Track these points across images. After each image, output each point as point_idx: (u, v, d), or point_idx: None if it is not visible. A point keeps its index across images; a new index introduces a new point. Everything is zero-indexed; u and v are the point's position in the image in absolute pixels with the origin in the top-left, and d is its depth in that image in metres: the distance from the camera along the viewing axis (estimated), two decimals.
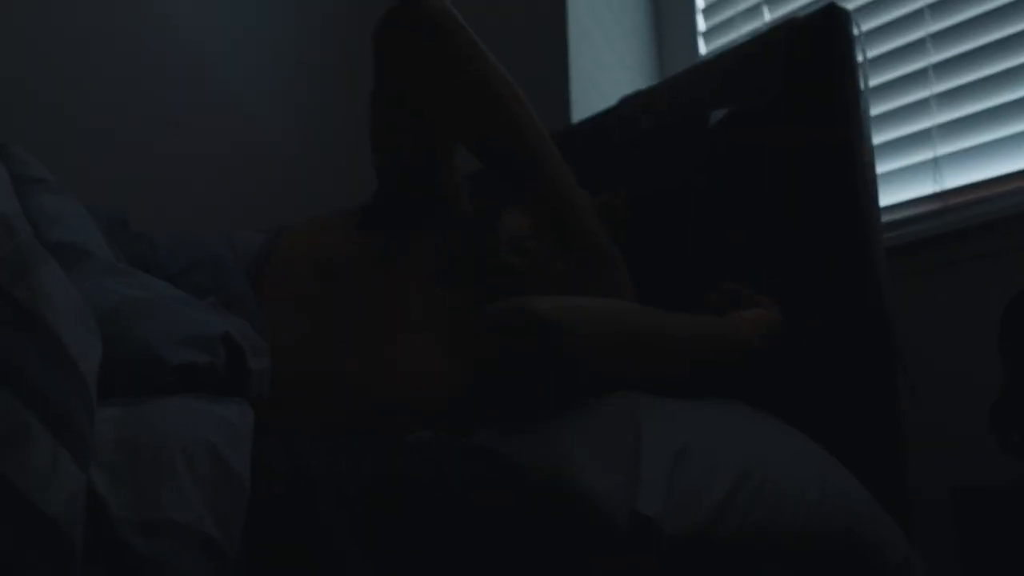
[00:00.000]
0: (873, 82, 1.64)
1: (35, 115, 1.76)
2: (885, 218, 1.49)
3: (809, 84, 1.23)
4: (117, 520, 0.56)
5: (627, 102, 1.52)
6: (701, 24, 2.08)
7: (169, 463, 0.62)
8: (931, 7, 1.62)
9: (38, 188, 0.97)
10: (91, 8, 1.91)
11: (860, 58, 1.25)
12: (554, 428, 0.89)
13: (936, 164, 1.58)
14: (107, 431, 0.61)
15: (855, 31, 1.25)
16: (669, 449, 0.84)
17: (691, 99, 1.38)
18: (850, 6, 1.37)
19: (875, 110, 1.63)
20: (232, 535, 0.62)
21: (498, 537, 0.76)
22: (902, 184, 1.62)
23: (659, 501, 0.79)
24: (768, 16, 1.92)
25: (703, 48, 2.06)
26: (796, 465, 0.91)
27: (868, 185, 1.19)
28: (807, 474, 0.90)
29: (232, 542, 0.62)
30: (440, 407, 1.01)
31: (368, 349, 1.07)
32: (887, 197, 1.58)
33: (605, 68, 2.00)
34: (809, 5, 1.81)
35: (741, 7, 1.97)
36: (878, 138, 1.60)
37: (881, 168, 1.56)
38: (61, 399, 0.55)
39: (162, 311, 0.81)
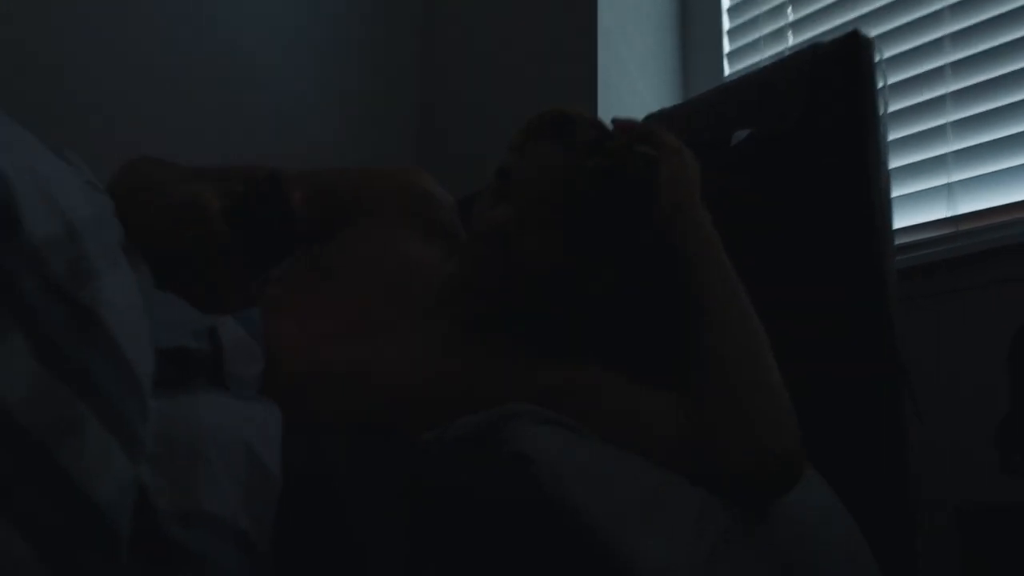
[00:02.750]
0: (892, 107, 1.64)
1: (84, 122, 1.79)
2: (898, 240, 1.48)
3: (831, 108, 1.22)
4: (160, 511, 0.57)
5: (652, 120, 1.52)
6: (726, 46, 2.06)
7: (207, 459, 0.63)
8: (952, 36, 1.61)
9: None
10: (141, 24, 1.94)
11: (881, 84, 1.24)
12: (600, 456, 0.88)
13: (950, 189, 1.57)
14: (152, 422, 0.62)
15: (877, 57, 1.24)
16: (716, 528, 0.83)
17: (715, 119, 1.38)
18: (873, 33, 1.37)
19: (893, 135, 1.62)
20: (263, 530, 0.64)
21: (511, 565, 0.75)
22: (916, 208, 1.60)
23: None
24: (792, 40, 1.90)
25: (727, 69, 2.05)
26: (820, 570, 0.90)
27: (883, 208, 1.18)
28: None
29: (263, 536, 0.63)
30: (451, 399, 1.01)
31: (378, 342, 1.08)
32: (901, 220, 1.57)
33: (633, 87, 2.00)
34: (833, 30, 1.80)
35: (766, 30, 1.95)
36: (895, 162, 1.59)
37: (896, 191, 1.55)
38: (117, 398, 0.56)
39: (157, 305, 0.82)
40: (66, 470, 0.53)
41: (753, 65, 1.96)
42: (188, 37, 2.02)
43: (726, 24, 2.08)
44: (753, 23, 2.00)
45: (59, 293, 0.56)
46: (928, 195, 1.60)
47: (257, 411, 0.72)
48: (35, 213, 0.56)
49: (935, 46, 1.64)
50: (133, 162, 1.23)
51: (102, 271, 0.59)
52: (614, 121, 1.17)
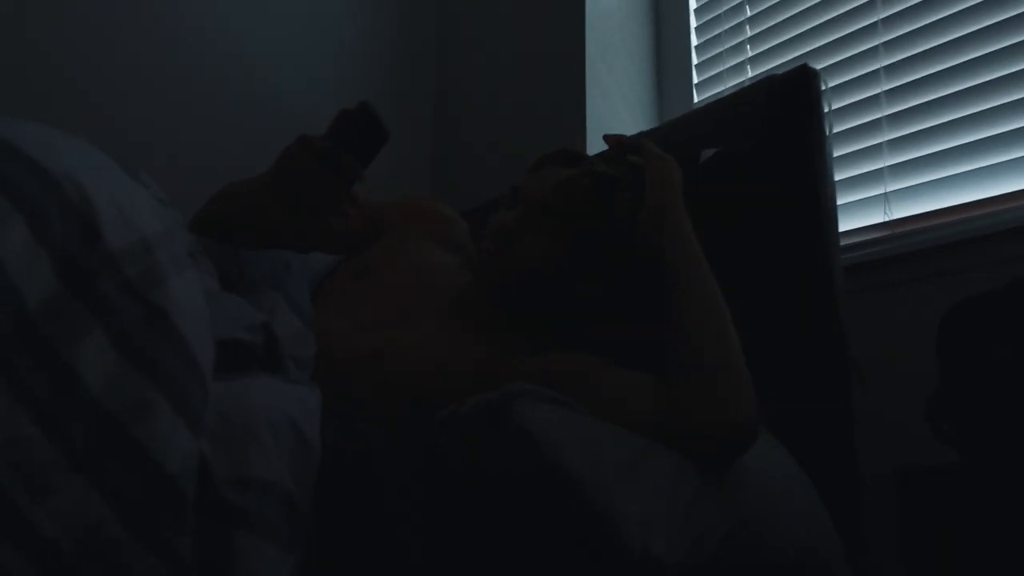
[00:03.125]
0: (836, 129, 1.64)
1: (117, 136, 1.69)
2: (843, 242, 1.49)
3: (784, 130, 1.23)
4: (218, 478, 0.58)
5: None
6: (695, 77, 2.07)
7: (256, 431, 0.63)
8: (886, 68, 1.62)
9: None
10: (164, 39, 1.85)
11: (826, 108, 1.25)
12: (592, 429, 0.87)
13: (886, 198, 1.57)
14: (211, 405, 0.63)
15: (823, 86, 1.25)
16: (690, 488, 0.83)
17: (687, 139, 1.38)
18: (819, 66, 1.37)
19: (837, 152, 1.62)
20: (305, 493, 0.64)
21: (518, 527, 0.75)
22: (858, 214, 1.61)
23: (669, 543, 0.78)
24: (751, 72, 1.91)
25: (696, 97, 2.05)
26: (782, 518, 0.90)
27: (830, 214, 1.19)
28: (790, 527, 0.90)
29: (305, 499, 0.64)
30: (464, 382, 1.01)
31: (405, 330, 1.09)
32: (845, 224, 1.58)
33: (615, 112, 2.01)
34: (785, 64, 1.80)
35: (728, 64, 1.96)
36: (839, 175, 1.60)
37: (841, 200, 1.55)
38: (183, 384, 0.57)
39: (216, 302, 0.82)
40: (142, 445, 0.53)
41: (718, 94, 1.96)
42: (200, 42, 1.91)
43: (694, 59, 2.09)
44: (718, 58, 2.00)
45: (135, 294, 0.57)
46: (867, 203, 1.60)
47: (301, 392, 0.72)
48: (114, 227, 0.57)
49: (872, 77, 1.64)
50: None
51: (171, 276, 0.60)
52: (605, 137, 1.18)
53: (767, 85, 1.28)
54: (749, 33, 1.93)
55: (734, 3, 1.97)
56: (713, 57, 2.02)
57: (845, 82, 1.68)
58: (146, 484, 0.53)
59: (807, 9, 1.80)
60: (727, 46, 1.97)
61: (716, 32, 2.01)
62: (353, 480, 0.69)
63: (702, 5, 2.08)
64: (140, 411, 0.54)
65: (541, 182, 1.11)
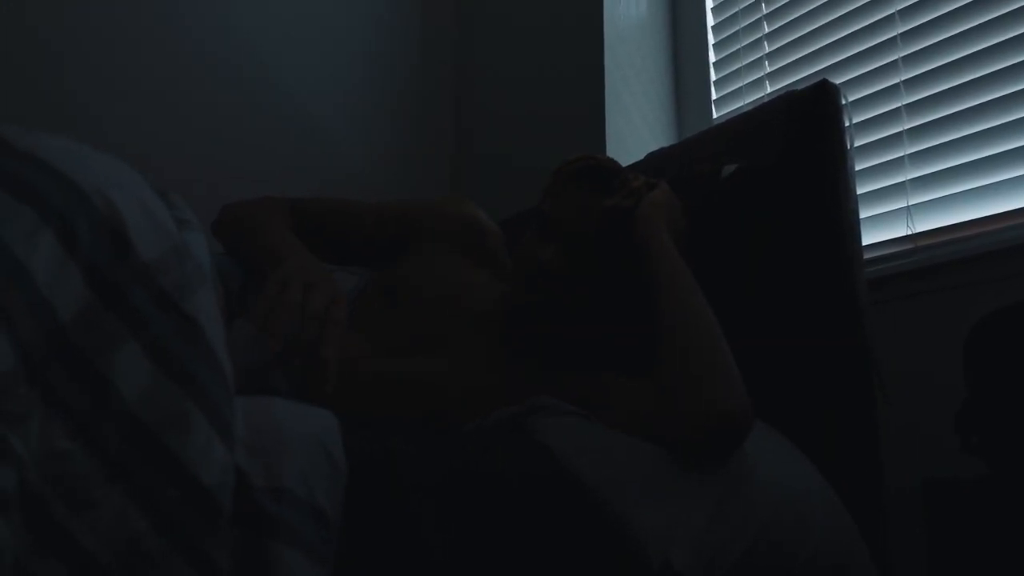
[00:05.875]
0: (857, 143, 1.64)
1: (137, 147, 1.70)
2: (866, 255, 1.48)
3: (805, 145, 1.24)
4: (255, 488, 0.58)
5: (652, 157, 1.52)
6: (714, 93, 2.08)
7: (288, 445, 0.64)
8: (905, 82, 1.62)
9: (184, 228, 1.00)
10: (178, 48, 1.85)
11: (847, 123, 1.25)
12: (610, 440, 0.88)
13: (909, 211, 1.57)
14: (238, 416, 0.63)
15: (843, 101, 1.25)
16: (710, 500, 0.83)
17: (705, 156, 1.38)
18: (838, 80, 1.37)
19: (859, 166, 1.62)
20: (336, 507, 0.64)
21: (538, 537, 0.75)
22: (881, 227, 1.61)
23: (690, 556, 0.78)
24: (770, 88, 1.92)
25: (715, 113, 2.06)
26: (804, 529, 0.90)
27: (853, 227, 1.19)
28: (813, 538, 0.89)
29: (336, 513, 0.64)
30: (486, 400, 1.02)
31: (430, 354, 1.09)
32: (868, 238, 1.57)
33: (634, 129, 2.02)
34: (805, 79, 1.81)
35: (748, 80, 1.97)
36: (861, 188, 1.60)
37: (864, 214, 1.55)
38: (215, 394, 0.57)
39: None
40: (178, 457, 0.53)
41: (737, 109, 1.97)
42: (217, 47, 1.91)
43: (713, 75, 2.10)
44: (736, 74, 2.01)
45: (167, 304, 0.57)
46: (890, 216, 1.60)
47: (320, 413, 0.72)
48: (144, 238, 0.57)
49: (892, 90, 1.65)
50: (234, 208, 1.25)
51: (196, 287, 0.60)
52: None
53: (787, 101, 1.29)
54: (767, 49, 1.94)
55: (752, 19, 1.98)
56: (732, 73, 2.03)
57: (865, 96, 1.68)
58: (184, 496, 0.53)
59: (826, 24, 1.81)
60: (745, 62, 1.98)
61: (734, 48, 2.02)
62: (379, 490, 0.69)
63: (720, 21, 2.10)
64: (176, 422, 0.54)
65: (571, 211, 1.10)
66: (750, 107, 1.62)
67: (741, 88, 1.98)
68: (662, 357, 0.96)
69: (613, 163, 1.15)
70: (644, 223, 1.07)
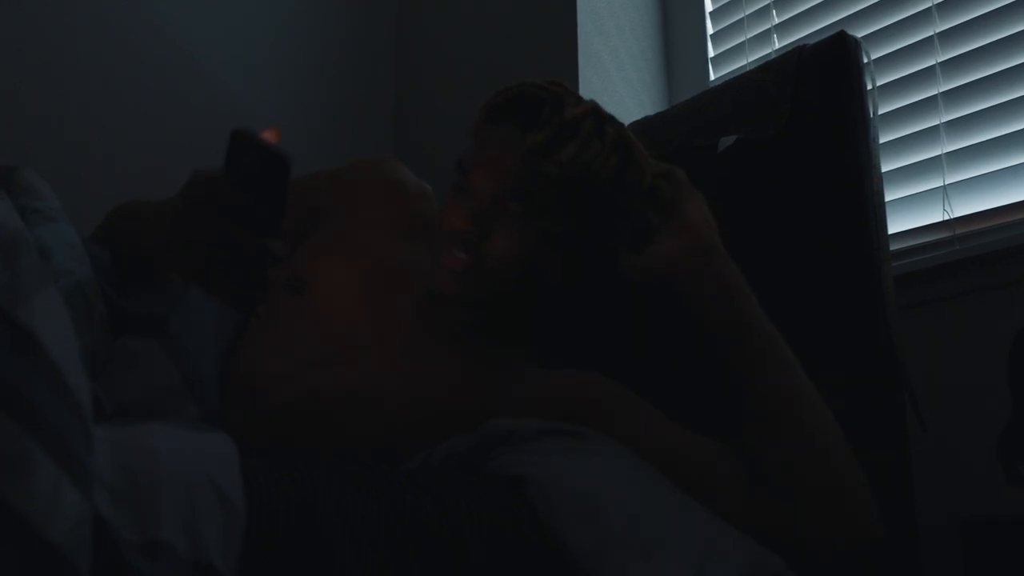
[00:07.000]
0: (883, 110, 1.64)
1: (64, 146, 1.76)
2: (894, 246, 1.49)
3: (818, 111, 1.23)
4: (122, 543, 0.56)
5: (635, 128, 1.52)
6: (711, 50, 2.08)
7: (167, 490, 0.62)
8: (940, 35, 1.62)
9: (35, 219, 0.98)
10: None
11: (869, 85, 1.25)
12: (601, 482, 0.87)
13: (945, 192, 1.57)
14: (104, 452, 0.61)
15: (864, 59, 1.25)
16: (722, 568, 0.83)
17: (702, 124, 1.38)
18: (860, 33, 1.37)
19: (884, 137, 1.62)
20: (231, 559, 0.63)
21: None
22: (911, 212, 1.61)
23: None
24: (777, 43, 1.92)
25: (712, 74, 2.06)
26: None
27: (877, 212, 1.18)
28: None
29: (230, 566, 0.62)
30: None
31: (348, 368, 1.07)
32: (896, 225, 1.58)
33: (614, 93, 2.01)
34: (819, 32, 1.81)
35: (751, 34, 1.97)
36: (887, 165, 1.60)
37: (890, 196, 1.55)
38: (61, 426, 0.54)
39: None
40: (18, 512, 0.51)
41: (738, 69, 1.97)
42: (143, 39, 1.97)
43: (709, 28, 2.09)
44: (737, 26, 2.01)
45: None
46: (923, 198, 1.61)
47: (212, 440, 0.70)
48: None
49: (924, 45, 1.65)
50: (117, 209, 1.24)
51: (35, 290, 0.57)
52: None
53: (796, 57, 1.28)
54: None
55: None
56: (731, 25, 2.03)
57: (892, 52, 1.68)
58: (26, 559, 0.51)
59: None
60: (748, 12, 1.98)
61: None
62: (295, 543, 0.68)
63: None
64: (10, 466, 0.52)
65: (489, 160, 1.05)
66: (753, 66, 1.62)
67: (743, 43, 1.98)
68: (768, 457, 0.95)
69: (552, 88, 1.08)
70: (686, 262, 1.05)
